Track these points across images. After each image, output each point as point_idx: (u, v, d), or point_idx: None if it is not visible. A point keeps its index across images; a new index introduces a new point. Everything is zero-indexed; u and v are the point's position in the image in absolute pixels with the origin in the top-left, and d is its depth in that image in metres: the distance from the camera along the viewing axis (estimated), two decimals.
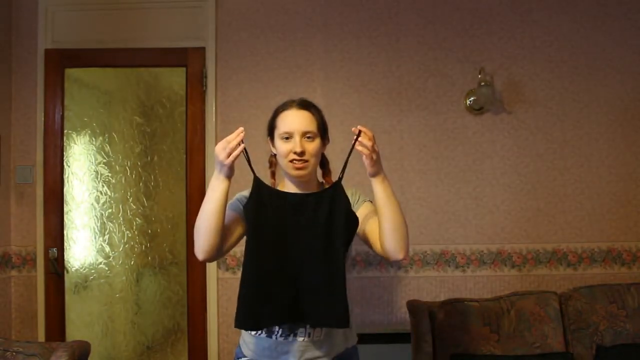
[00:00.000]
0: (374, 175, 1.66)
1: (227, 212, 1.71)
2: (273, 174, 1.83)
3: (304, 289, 1.63)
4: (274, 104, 3.07)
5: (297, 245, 1.64)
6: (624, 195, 2.98)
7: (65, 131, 3.04)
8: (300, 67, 3.02)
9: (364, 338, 2.69)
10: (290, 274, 1.64)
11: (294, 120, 1.73)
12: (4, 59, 2.98)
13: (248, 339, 1.78)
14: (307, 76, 3.01)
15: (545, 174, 2.99)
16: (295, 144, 1.71)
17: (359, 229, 1.76)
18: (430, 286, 2.97)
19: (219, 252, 1.67)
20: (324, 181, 1.87)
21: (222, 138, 3.13)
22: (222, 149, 1.64)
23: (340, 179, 1.69)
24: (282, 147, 1.74)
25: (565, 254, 2.97)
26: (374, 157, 1.63)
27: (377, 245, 1.73)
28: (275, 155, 1.82)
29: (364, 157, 1.64)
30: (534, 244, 2.97)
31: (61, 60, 3.01)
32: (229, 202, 1.75)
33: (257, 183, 1.70)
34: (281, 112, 1.77)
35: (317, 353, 1.73)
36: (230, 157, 1.62)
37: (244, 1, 3.03)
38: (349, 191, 1.83)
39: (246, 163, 1.71)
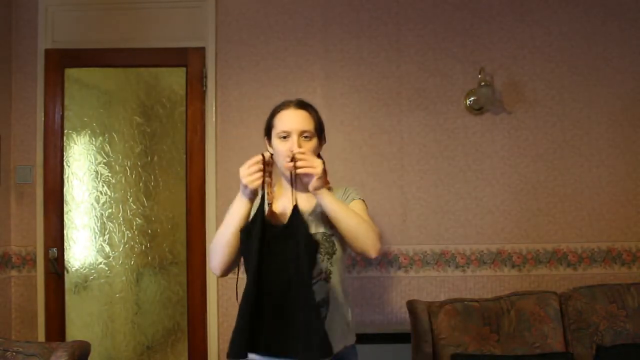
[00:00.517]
0: (317, 189, 1.65)
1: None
2: (270, 174, 1.81)
3: (281, 322, 1.61)
4: (273, 104, 3.07)
5: (274, 277, 1.61)
6: (624, 195, 2.98)
7: (65, 131, 3.04)
8: (300, 67, 3.02)
9: (363, 338, 2.69)
10: (269, 305, 1.61)
11: (292, 120, 1.74)
12: (4, 59, 2.98)
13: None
14: (307, 76, 3.01)
15: (545, 174, 2.98)
16: (293, 143, 1.71)
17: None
18: (430, 286, 2.97)
19: (235, 268, 1.71)
20: None
21: (222, 138, 3.18)
22: (246, 172, 1.61)
23: (295, 205, 1.64)
24: (279, 147, 1.74)
25: (565, 254, 2.97)
26: (318, 173, 1.62)
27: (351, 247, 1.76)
28: (272, 155, 1.80)
29: (309, 178, 1.64)
30: (534, 244, 2.97)
31: (61, 60, 3.01)
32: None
33: (257, 212, 1.65)
34: (279, 111, 1.78)
35: None
36: (254, 183, 1.59)
37: (244, 1, 3.03)
38: (339, 190, 1.85)
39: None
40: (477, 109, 2.98)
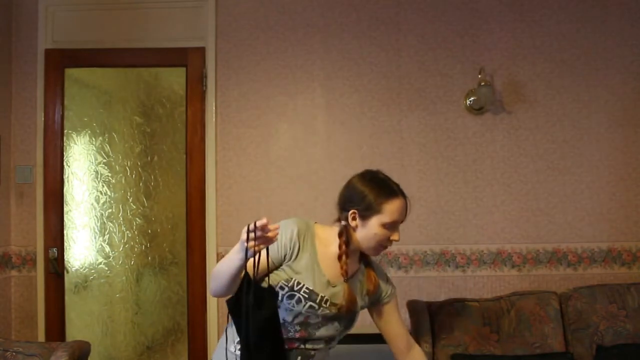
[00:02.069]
0: None
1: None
2: (347, 244, 1.77)
3: None
4: (273, 104, 3.11)
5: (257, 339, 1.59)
6: (624, 195, 2.98)
7: (65, 131, 3.04)
8: (300, 67, 3.02)
9: (363, 338, 2.70)
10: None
11: (402, 213, 1.77)
12: (4, 59, 2.98)
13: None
14: (307, 76, 3.01)
15: (545, 174, 2.98)
16: (397, 235, 1.76)
17: (376, 321, 1.91)
18: (430, 286, 2.97)
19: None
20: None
21: (222, 138, 3.17)
22: (248, 231, 1.52)
23: (263, 279, 1.61)
24: (381, 233, 1.73)
25: (565, 254, 2.97)
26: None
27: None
28: (348, 226, 1.77)
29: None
30: (534, 244, 2.97)
31: (61, 60, 3.01)
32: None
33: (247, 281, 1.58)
34: (389, 200, 1.75)
35: None
36: (252, 247, 1.50)
37: (244, 1, 3.03)
38: (381, 269, 1.94)
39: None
40: (477, 109, 2.98)
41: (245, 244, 1.47)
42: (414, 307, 2.63)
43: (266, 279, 1.61)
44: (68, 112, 3.06)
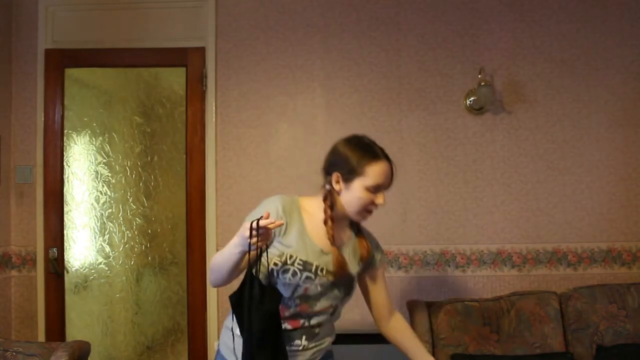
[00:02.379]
0: None
1: None
2: (332, 208, 1.78)
3: None
4: (273, 104, 3.10)
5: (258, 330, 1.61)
6: (624, 195, 2.98)
7: (65, 131, 3.04)
8: (300, 67, 3.02)
9: (364, 338, 2.70)
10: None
11: (387, 177, 1.75)
12: (4, 59, 2.98)
13: (234, 344, 1.72)
14: (307, 76, 3.01)
15: (545, 174, 2.98)
16: (381, 198, 1.74)
17: (364, 287, 1.92)
18: (430, 286, 2.97)
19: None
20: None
21: (222, 138, 3.17)
22: (251, 228, 1.53)
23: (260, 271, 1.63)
24: (365, 196, 1.73)
25: (565, 254, 2.97)
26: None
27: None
28: (332, 190, 1.77)
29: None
30: (534, 244, 2.97)
31: (61, 60, 3.01)
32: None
33: (251, 279, 1.61)
34: (372, 163, 1.73)
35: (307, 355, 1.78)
36: (252, 243, 1.52)
37: (244, 1, 3.03)
38: (372, 236, 1.93)
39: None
40: (477, 109, 2.98)
41: (249, 240, 1.50)
42: (414, 307, 2.63)
43: (263, 269, 1.65)
44: (68, 112, 3.06)
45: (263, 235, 1.51)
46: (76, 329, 3.05)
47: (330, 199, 1.77)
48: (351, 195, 1.74)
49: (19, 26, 3.03)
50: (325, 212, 1.76)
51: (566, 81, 2.99)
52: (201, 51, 3.01)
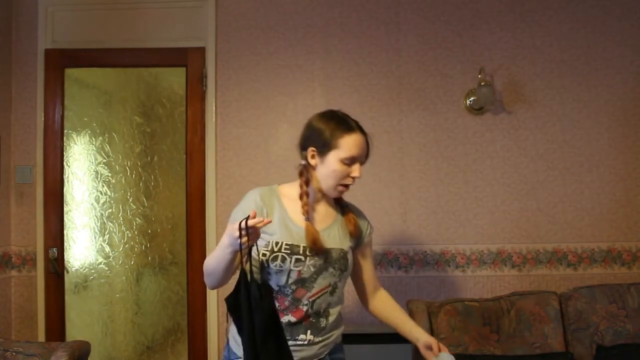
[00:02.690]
0: None
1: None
2: (307, 183, 1.79)
3: None
4: (273, 104, 3.10)
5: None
6: (624, 195, 2.98)
7: (65, 131, 3.04)
8: (300, 67, 3.02)
9: (364, 338, 2.70)
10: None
11: (361, 148, 1.75)
12: (4, 59, 2.98)
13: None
14: (307, 76, 3.01)
15: (545, 174, 2.98)
16: (356, 170, 1.74)
17: (356, 264, 1.90)
18: (430, 286, 2.97)
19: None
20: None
21: (222, 138, 3.17)
22: (240, 228, 1.54)
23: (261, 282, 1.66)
24: (340, 169, 1.73)
25: (565, 254, 2.97)
26: None
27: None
28: (307, 165, 1.78)
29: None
30: (534, 244, 2.97)
31: (61, 60, 3.01)
32: (237, 215, 1.75)
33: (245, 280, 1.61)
34: (345, 134, 1.73)
35: (314, 350, 1.77)
36: (242, 242, 1.53)
37: (244, 1, 3.03)
38: (360, 212, 1.92)
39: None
40: (477, 109, 2.98)
41: (239, 240, 1.51)
42: (414, 307, 2.63)
43: (255, 264, 1.67)
44: (68, 112, 3.06)
45: (252, 235, 1.53)
46: (76, 329, 3.05)
47: (306, 174, 1.79)
48: (327, 169, 1.75)
49: (19, 26, 3.03)
50: (300, 187, 1.78)
51: (566, 81, 2.99)
52: (201, 51, 3.01)
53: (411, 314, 2.62)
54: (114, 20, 3.04)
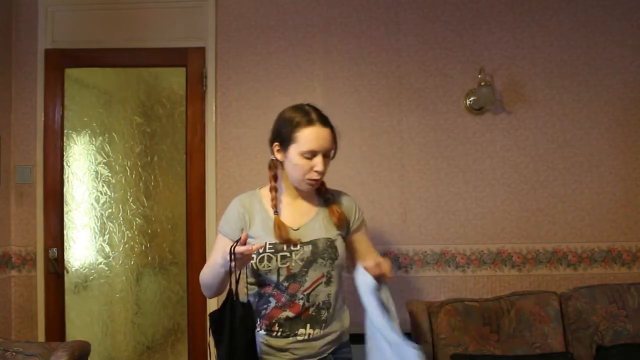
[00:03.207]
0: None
1: (220, 244, 1.80)
2: (275, 178, 1.82)
3: None
4: (273, 104, 3.10)
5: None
6: (624, 195, 2.98)
7: (65, 131, 3.04)
8: (300, 67, 3.02)
9: (364, 338, 2.70)
10: None
11: (320, 140, 1.73)
12: (4, 59, 2.98)
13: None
14: (307, 76, 3.01)
15: (545, 174, 2.98)
16: (319, 164, 1.73)
17: (352, 250, 1.91)
18: (430, 286, 2.97)
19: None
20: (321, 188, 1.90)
21: (222, 138, 3.17)
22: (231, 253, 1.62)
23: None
24: (301, 163, 1.73)
25: (565, 254, 2.97)
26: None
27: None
28: (275, 160, 1.81)
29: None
30: (534, 244, 2.97)
31: (61, 60, 3.01)
32: (222, 227, 1.83)
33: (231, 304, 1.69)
34: (303, 127, 1.74)
35: (316, 348, 1.77)
36: (232, 266, 1.61)
37: (244, 1, 3.03)
38: (346, 200, 1.89)
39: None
40: (477, 109, 2.98)
41: (232, 263, 1.58)
42: (414, 307, 2.63)
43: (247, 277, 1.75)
44: (68, 112, 3.06)
45: (243, 260, 1.59)
46: (76, 329, 3.05)
47: (274, 169, 1.81)
48: (290, 163, 1.76)
49: (19, 26, 3.03)
50: (270, 180, 1.81)
51: (566, 81, 2.99)
52: (201, 51, 3.01)
53: (411, 314, 2.62)
54: (114, 20, 3.04)
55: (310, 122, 1.74)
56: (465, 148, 2.99)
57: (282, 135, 1.76)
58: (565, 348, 2.57)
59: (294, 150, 1.73)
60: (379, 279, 1.66)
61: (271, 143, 1.81)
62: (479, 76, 2.90)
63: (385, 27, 3.02)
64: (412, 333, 2.59)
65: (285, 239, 1.73)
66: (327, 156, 1.76)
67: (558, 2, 3.01)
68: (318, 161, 1.72)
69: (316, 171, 1.73)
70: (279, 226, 1.74)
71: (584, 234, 2.97)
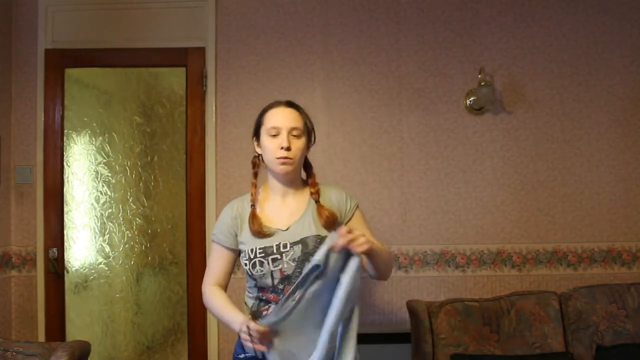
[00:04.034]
0: (367, 252, 1.64)
1: (217, 255, 1.85)
2: (256, 175, 1.86)
3: None
4: None
5: None
6: (624, 195, 2.98)
7: (65, 131, 3.04)
8: (300, 67, 3.02)
9: (364, 338, 2.69)
10: None
11: (282, 117, 1.78)
12: (4, 59, 2.98)
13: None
14: (307, 76, 3.01)
15: (545, 174, 2.98)
16: (283, 139, 1.74)
17: None
18: (430, 286, 2.97)
19: None
20: (308, 181, 1.88)
21: (222, 138, 3.17)
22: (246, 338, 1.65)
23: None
24: (268, 143, 1.76)
25: (565, 254, 2.97)
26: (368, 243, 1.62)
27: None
28: (259, 156, 1.85)
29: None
30: (534, 244, 2.97)
31: (61, 60, 3.01)
32: (216, 235, 1.84)
33: None
34: (268, 110, 1.83)
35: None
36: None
37: (244, 1, 3.03)
38: (335, 191, 1.86)
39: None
40: (477, 109, 2.98)
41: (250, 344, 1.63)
42: (414, 307, 2.63)
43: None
44: (68, 112, 3.06)
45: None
46: (76, 329, 3.05)
47: (256, 166, 1.85)
48: (263, 149, 1.79)
49: (19, 26, 3.03)
50: (253, 176, 1.85)
51: (566, 81, 2.99)
52: (201, 51, 3.01)
53: (411, 314, 2.62)
54: (114, 20, 3.04)
55: (274, 105, 1.83)
56: (465, 148, 2.99)
57: (256, 126, 1.84)
58: (565, 348, 2.57)
59: (264, 134, 1.79)
60: (348, 250, 1.60)
61: (252, 139, 1.87)
62: (479, 76, 2.90)
63: (385, 27, 3.02)
64: (412, 333, 2.59)
65: (256, 231, 1.74)
66: (296, 137, 1.76)
67: (558, 2, 3.01)
68: (283, 137, 1.74)
69: (282, 148, 1.73)
70: (253, 219, 1.76)
71: (584, 234, 2.97)
